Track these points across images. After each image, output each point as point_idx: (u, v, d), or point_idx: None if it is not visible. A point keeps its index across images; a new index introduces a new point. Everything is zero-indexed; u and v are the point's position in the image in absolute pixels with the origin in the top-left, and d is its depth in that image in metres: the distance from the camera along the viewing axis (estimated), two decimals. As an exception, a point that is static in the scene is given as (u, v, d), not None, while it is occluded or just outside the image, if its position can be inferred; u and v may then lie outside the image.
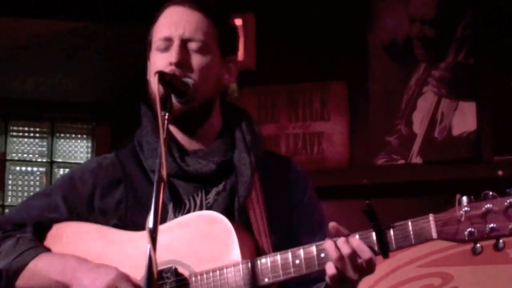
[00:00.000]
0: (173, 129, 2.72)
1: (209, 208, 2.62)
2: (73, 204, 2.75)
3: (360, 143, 5.18)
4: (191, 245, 2.54)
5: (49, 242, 2.74)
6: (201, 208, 2.63)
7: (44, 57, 5.74)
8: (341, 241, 2.39)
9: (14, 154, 6.21)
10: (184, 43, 2.65)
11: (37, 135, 6.27)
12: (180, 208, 2.64)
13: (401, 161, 5.10)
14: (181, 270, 2.53)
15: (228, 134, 2.75)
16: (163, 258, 2.52)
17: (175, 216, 2.63)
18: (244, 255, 2.49)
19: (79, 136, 6.30)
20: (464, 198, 2.32)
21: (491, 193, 2.31)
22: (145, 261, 2.24)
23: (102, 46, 5.71)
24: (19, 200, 6.12)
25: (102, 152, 6.16)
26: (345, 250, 2.38)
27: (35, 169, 6.23)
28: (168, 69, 2.60)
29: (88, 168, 2.80)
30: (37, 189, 6.16)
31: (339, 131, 5.21)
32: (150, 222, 2.20)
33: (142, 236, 2.49)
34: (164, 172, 2.24)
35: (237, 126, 2.76)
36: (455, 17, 5.10)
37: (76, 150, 6.27)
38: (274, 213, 2.67)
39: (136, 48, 5.66)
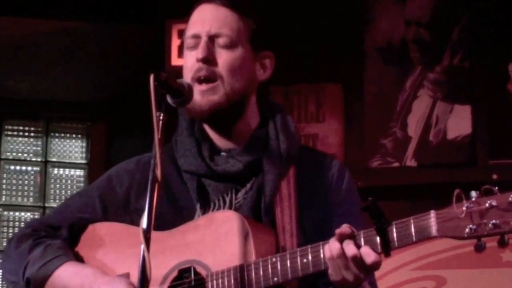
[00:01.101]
0: (207, 127, 2.72)
1: (238, 207, 2.62)
2: (110, 204, 2.77)
3: (355, 146, 5.18)
4: (210, 244, 2.54)
5: (83, 243, 2.77)
6: (230, 208, 2.62)
7: (39, 57, 5.74)
8: (346, 243, 2.34)
9: (8, 153, 6.19)
10: (211, 39, 2.64)
11: (32, 134, 6.25)
12: (209, 208, 2.64)
13: (396, 164, 5.10)
14: (199, 269, 2.54)
15: (262, 132, 2.72)
16: (184, 258, 2.56)
17: None
18: (259, 255, 2.48)
19: (74, 135, 6.27)
20: (473, 193, 2.24)
21: (496, 188, 2.23)
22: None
23: (98, 46, 5.71)
24: (13, 199, 6.11)
25: (97, 152, 6.20)
26: (350, 252, 2.33)
27: (29, 168, 6.20)
28: (196, 66, 2.62)
29: (126, 168, 2.81)
30: (32, 189, 6.15)
31: (334, 133, 5.21)
32: (143, 223, 2.19)
33: (168, 236, 2.57)
34: (158, 173, 2.23)
35: (272, 124, 2.73)
36: (451, 20, 5.10)
37: (71, 149, 6.25)
38: (307, 211, 2.64)
39: (131, 48, 5.68)
